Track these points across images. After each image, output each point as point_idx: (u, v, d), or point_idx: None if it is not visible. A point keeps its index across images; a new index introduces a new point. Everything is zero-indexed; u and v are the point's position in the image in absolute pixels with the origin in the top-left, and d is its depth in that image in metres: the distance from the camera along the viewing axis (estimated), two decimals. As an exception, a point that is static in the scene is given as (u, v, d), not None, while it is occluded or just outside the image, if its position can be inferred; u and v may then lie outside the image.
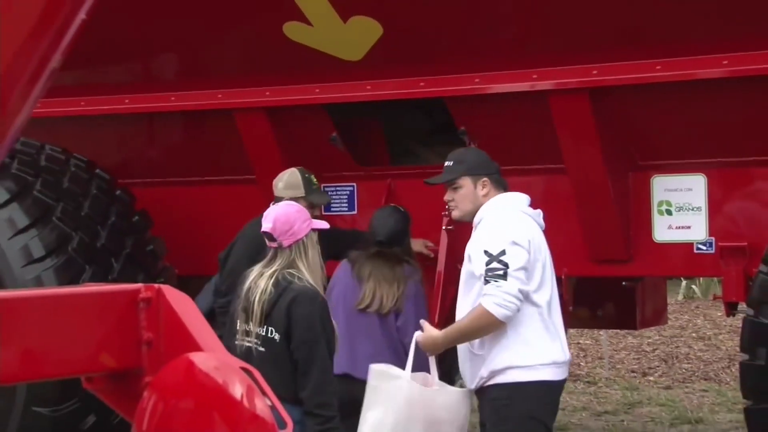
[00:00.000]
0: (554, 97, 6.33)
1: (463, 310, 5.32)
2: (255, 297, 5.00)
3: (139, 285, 2.64)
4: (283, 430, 2.46)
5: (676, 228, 6.51)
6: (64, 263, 6.95)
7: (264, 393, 2.45)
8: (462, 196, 5.42)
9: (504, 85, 6.49)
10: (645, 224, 6.59)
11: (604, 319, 8.07)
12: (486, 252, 5.14)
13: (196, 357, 2.44)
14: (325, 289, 5.28)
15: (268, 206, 6.99)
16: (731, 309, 6.78)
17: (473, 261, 5.26)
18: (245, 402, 2.37)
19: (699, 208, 6.45)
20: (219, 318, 5.79)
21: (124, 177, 7.71)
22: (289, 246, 4.98)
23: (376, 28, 6.49)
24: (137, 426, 2.45)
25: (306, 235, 5.02)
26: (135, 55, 7.43)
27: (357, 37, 6.58)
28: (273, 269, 5.00)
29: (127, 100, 7.42)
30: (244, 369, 2.47)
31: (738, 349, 5.95)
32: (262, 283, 4.99)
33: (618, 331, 10.39)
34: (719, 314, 13.20)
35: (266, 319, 4.95)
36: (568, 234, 6.68)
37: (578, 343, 13.19)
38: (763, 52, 5.89)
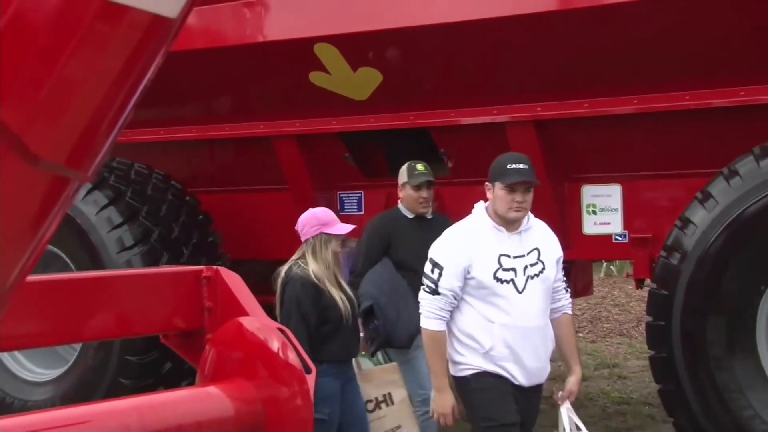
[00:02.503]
0: (509, 127, 6.35)
1: (537, 312, 4.54)
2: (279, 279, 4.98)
3: (202, 267, 2.54)
4: (309, 375, 2.31)
5: (600, 224, 6.50)
6: (147, 250, 7.00)
7: (294, 347, 2.32)
8: (531, 198, 4.69)
9: (472, 118, 6.50)
10: (576, 221, 6.55)
11: None
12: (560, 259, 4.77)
13: (243, 320, 2.36)
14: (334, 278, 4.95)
15: (297, 209, 6.86)
16: (639, 283, 6.91)
17: (556, 265, 4.70)
18: (280, 353, 2.25)
19: (616, 209, 6.45)
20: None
21: (192, 186, 7.74)
22: (303, 242, 4.98)
23: (378, 76, 6.52)
24: (201, 371, 2.38)
25: (313, 237, 4.94)
26: (200, 97, 7.37)
27: (363, 82, 6.59)
28: (293, 258, 5.02)
29: (194, 130, 7.51)
30: (279, 329, 2.34)
31: (645, 312, 5.77)
32: (283, 268, 4.99)
33: None
34: (630, 287, 12.84)
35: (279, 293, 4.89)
36: None
37: None
38: (664, 94, 5.88)
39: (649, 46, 5.77)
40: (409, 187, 5.86)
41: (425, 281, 4.54)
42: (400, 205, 6.02)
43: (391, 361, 5.69)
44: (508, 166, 4.67)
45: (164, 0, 1.24)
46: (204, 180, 7.87)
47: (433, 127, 6.77)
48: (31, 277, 1.33)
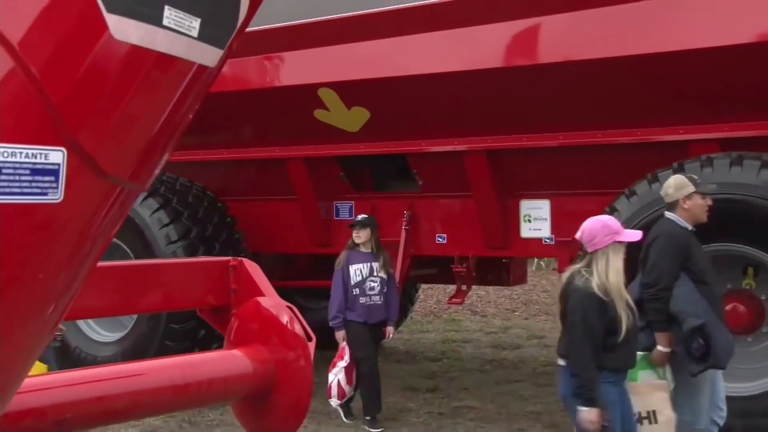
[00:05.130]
0: (467, 155, 6.37)
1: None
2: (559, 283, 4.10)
3: (230, 258, 2.48)
4: (311, 342, 2.21)
5: (533, 230, 6.50)
6: (188, 245, 7.08)
7: (299, 321, 2.23)
8: None
9: (439, 147, 6.49)
10: (515, 227, 6.55)
11: (493, 280, 7.79)
12: None
13: (260, 299, 2.29)
14: (625, 287, 3.93)
15: (303, 215, 7.37)
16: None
17: None
18: (288, 325, 2.17)
19: (545, 219, 6.45)
20: (646, 305, 4.34)
21: (223, 196, 7.72)
22: (592, 252, 3.86)
23: (366, 114, 6.53)
24: (227, 338, 2.31)
25: (607, 246, 3.85)
26: (230, 128, 7.33)
27: (355, 118, 6.59)
28: (577, 266, 3.98)
29: (225, 153, 7.55)
30: (288, 307, 2.28)
31: None
32: (564, 275, 4.06)
33: (500, 286, 10.12)
34: (555, 278, 12.58)
35: (561, 299, 4.01)
36: (474, 233, 6.67)
37: (477, 292, 12.73)
38: (582, 132, 5.87)
39: (571, 97, 5.75)
40: (698, 196, 4.52)
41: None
42: (672, 217, 4.56)
43: (670, 378, 4.46)
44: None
45: (205, 54, 1.24)
46: (232, 191, 7.83)
47: (409, 153, 6.75)
48: (100, 264, 1.32)
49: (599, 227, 3.91)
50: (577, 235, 3.99)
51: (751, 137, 5.39)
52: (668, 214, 4.55)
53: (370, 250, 6.36)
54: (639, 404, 4.08)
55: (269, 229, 7.67)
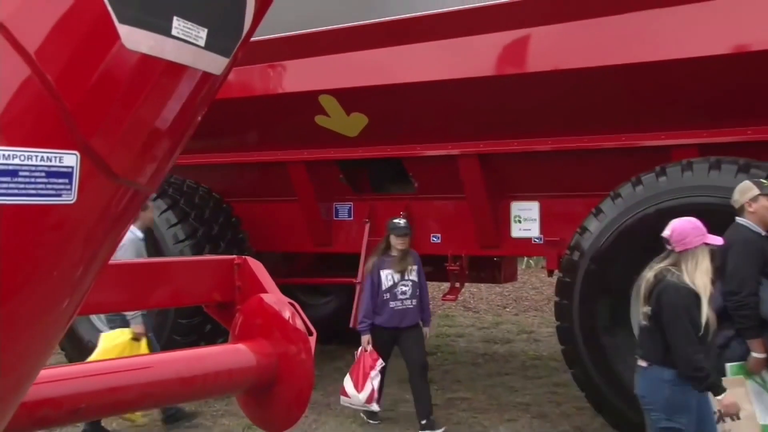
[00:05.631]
0: (460, 158, 6.35)
1: None
2: (643, 283, 3.88)
3: (234, 256, 2.46)
4: (311, 336, 2.19)
5: (523, 230, 6.48)
6: (195, 244, 7.02)
7: (301, 317, 2.21)
8: None
9: (433, 151, 6.48)
10: (506, 228, 6.53)
11: (484, 278, 7.76)
12: None
13: (264, 296, 2.28)
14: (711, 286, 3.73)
15: (304, 216, 7.31)
16: (550, 273, 6.89)
17: None
18: (290, 320, 2.16)
19: (535, 219, 6.44)
20: (733, 313, 4.13)
21: (228, 197, 7.68)
22: (680, 251, 3.71)
23: (365, 119, 6.50)
24: (232, 332, 2.30)
25: (696, 247, 3.70)
26: (235, 132, 7.25)
27: (354, 123, 6.56)
28: (661, 265, 3.81)
29: (230, 156, 7.49)
30: (290, 303, 2.25)
31: (554, 294, 5.76)
32: (650, 274, 3.84)
33: (491, 284, 10.06)
34: (544, 275, 12.46)
35: (648, 300, 3.80)
36: (467, 233, 6.66)
37: (470, 290, 12.83)
38: (570, 137, 5.87)
39: (559, 103, 5.74)
40: (764, 198, 4.30)
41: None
42: (744, 222, 4.36)
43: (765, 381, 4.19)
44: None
45: (212, 62, 1.24)
46: (236, 193, 7.81)
47: (405, 157, 6.73)
48: (112, 261, 1.32)
49: (690, 228, 3.75)
50: (665, 234, 3.80)
51: (729, 142, 5.41)
52: (739, 220, 4.38)
53: (399, 254, 6.05)
54: (716, 402, 3.84)
55: (272, 229, 7.65)
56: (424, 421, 5.87)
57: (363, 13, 6.08)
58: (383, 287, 5.96)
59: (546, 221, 6.40)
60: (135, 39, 1.12)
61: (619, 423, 5.36)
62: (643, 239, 5.12)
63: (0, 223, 1.05)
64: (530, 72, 5.66)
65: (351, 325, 6.98)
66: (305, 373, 2.13)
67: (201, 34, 1.20)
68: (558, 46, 5.53)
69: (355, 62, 6.23)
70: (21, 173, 1.06)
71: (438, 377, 7.67)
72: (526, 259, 15.07)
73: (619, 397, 5.23)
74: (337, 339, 8.39)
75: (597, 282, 5.36)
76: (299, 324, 2.19)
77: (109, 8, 1.09)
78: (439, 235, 6.89)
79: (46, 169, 1.08)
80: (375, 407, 5.97)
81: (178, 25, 1.16)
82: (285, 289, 2.48)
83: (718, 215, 4.86)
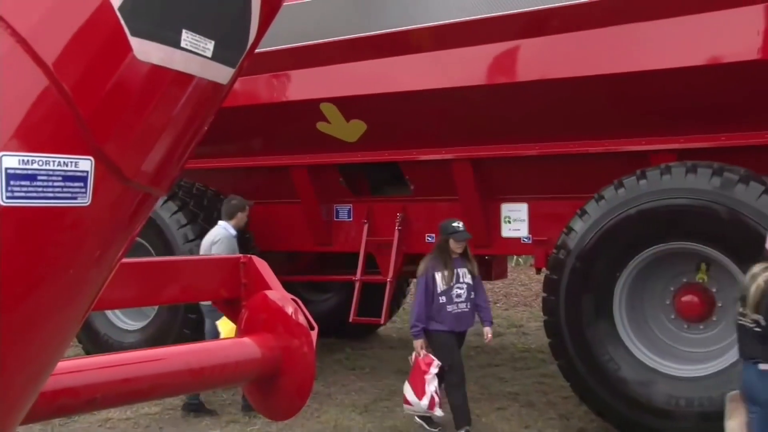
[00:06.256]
0: (454, 163, 6.35)
1: None
2: (751, 289, 3.66)
3: (240, 255, 2.43)
4: (313, 330, 2.17)
5: (513, 230, 6.46)
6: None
7: (303, 312, 2.19)
8: None
9: (428, 156, 6.46)
10: (497, 228, 6.51)
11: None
12: None
13: (268, 292, 2.26)
14: None
15: (306, 217, 7.20)
16: (538, 271, 6.93)
17: None
18: (293, 316, 2.14)
19: (524, 220, 6.42)
20: None
21: None
22: None
23: (363, 126, 6.48)
24: (238, 326, 2.29)
25: None
26: (241, 138, 7.24)
27: (353, 129, 6.54)
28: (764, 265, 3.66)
29: (236, 161, 7.47)
30: (293, 299, 2.23)
31: (542, 290, 5.73)
32: (760, 280, 3.63)
33: (483, 281, 10.00)
34: (532, 273, 12.80)
35: (757, 306, 3.61)
36: None
37: None
38: (556, 143, 5.88)
39: (547, 111, 5.74)
40: None
41: None
42: None
43: None
44: None
45: (219, 72, 1.24)
46: (243, 195, 7.62)
47: (401, 161, 6.72)
48: (125, 260, 1.30)
49: None
50: None
51: (705, 148, 5.44)
52: None
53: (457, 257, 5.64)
54: None
55: (276, 230, 7.64)
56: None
57: (362, 26, 6.08)
58: (438, 290, 5.51)
59: (534, 222, 6.39)
60: (146, 51, 1.12)
61: (601, 410, 5.37)
62: (625, 238, 5.16)
63: (20, 224, 1.06)
64: (519, 81, 5.66)
65: (351, 319, 6.97)
66: (307, 365, 2.12)
67: (208, 46, 1.20)
68: (545, 57, 5.54)
69: (354, 72, 6.23)
70: (39, 177, 1.07)
71: (433, 368, 7.66)
72: (515, 257, 15.06)
73: (602, 386, 5.23)
74: (336, 333, 8.39)
75: (582, 279, 5.35)
76: (301, 319, 2.18)
77: (122, 22, 1.10)
78: (433, 234, 6.83)
79: (62, 173, 1.09)
80: (438, 412, 5.48)
81: (187, 38, 1.17)
82: (288, 286, 2.47)
83: (694, 216, 4.97)
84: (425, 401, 5.40)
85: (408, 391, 5.53)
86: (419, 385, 5.43)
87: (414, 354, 5.56)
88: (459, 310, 5.56)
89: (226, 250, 6.01)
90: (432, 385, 5.41)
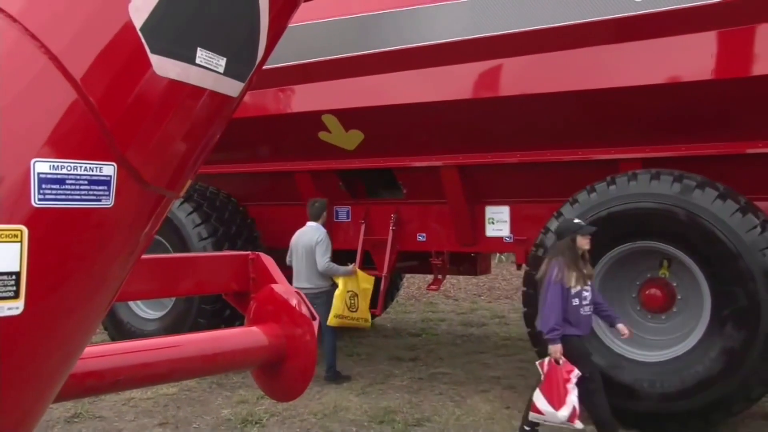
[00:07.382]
0: (442, 169, 6.31)
1: None
2: None
3: (249, 252, 2.37)
4: (314, 321, 2.11)
5: (496, 230, 6.42)
6: (216, 241, 6.95)
7: (306, 304, 2.15)
8: None
9: (420, 162, 6.42)
10: (481, 228, 6.48)
11: (463, 270, 7.71)
12: None
13: (274, 286, 2.21)
14: None
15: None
16: (519, 267, 6.94)
17: None
18: (297, 307, 2.11)
19: (506, 221, 6.31)
20: None
21: (244, 201, 7.61)
22: None
23: (361, 135, 6.46)
24: (247, 317, 2.25)
25: None
26: (250, 146, 7.17)
27: (352, 139, 6.51)
28: None
29: (246, 166, 7.40)
30: (296, 292, 2.17)
31: (522, 284, 5.69)
32: None
33: (469, 276, 9.85)
34: (513, 268, 12.80)
35: None
36: (448, 233, 6.63)
37: (450, 281, 12.65)
38: (535, 151, 5.83)
39: (527, 123, 5.72)
40: None
41: None
42: None
43: None
44: None
45: (230, 86, 1.24)
46: (252, 197, 7.76)
47: (395, 168, 6.68)
48: (145, 256, 1.32)
49: None
50: None
51: (667, 157, 5.45)
52: None
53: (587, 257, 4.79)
54: None
55: (281, 229, 7.50)
56: None
57: (360, 45, 6.05)
58: (572, 292, 4.63)
59: (515, 222, 6.39)
60: (165, 67, 1.13)
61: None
62: (597, 238, 5.13)
63: (51, 223, 1.06)
64: (502, 96, 5.65)
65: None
66: (309, 352, 2.10)
67: (221, 62, 1.20)
68: (526, 75, 5.52)
69: (353, 86, 6.20)
70: (68, 181, 1.07)
71: (423, 355, 7.65)
72: (498, 254, 15.10)
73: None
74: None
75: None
76: (304, 310, 2.15)
77: (143, 41, 1.10)
78: (424, 234, 6.84)
79: (88, 177, 1.09)
80: (579, 425, 4.49)
81: (202, 55, 1.17)
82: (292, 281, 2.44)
83: (657, 218, 4.98)
84: (565, 412, 4.45)
85: (541, 400, 4.56)
86: (557, 394, 4.49)
87: (547, 360, 4.63)
88: (588, 313, 4.72)
89: (329, 248, 6.36)
90: (574, 395, 4.48)
